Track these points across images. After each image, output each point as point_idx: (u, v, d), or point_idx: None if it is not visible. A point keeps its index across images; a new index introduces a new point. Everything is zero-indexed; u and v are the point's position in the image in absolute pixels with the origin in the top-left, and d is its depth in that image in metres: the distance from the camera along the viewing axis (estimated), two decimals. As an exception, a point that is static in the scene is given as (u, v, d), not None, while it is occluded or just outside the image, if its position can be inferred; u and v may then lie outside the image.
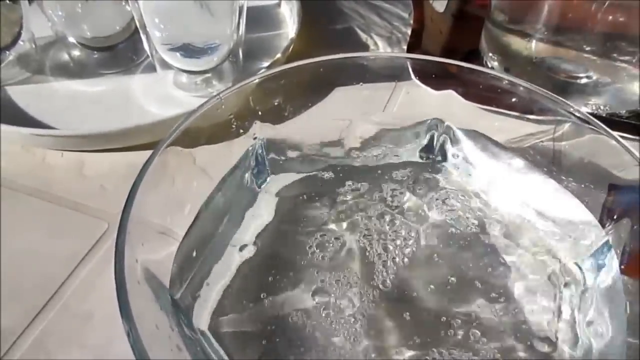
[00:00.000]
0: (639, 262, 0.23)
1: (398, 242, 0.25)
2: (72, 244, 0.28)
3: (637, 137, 0.32)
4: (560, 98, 0.25)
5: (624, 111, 0.34)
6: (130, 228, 0.20)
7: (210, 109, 0.25)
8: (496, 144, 0.28)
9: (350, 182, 0.28)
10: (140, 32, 0.34)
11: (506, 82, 0.27)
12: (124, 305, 0.18)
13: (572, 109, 0.25)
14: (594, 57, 0.33)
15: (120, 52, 0.38)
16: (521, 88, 0.27)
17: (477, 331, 0.22)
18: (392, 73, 0.30)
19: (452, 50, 0.39)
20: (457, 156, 0.29)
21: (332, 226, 0.26)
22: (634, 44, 0.32)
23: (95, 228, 0.29)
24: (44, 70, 0.39)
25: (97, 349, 0.24)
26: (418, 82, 0.29)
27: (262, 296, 0.23)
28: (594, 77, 0.34)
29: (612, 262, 0.24)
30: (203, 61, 0.35)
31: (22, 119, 0.34)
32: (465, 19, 0.39)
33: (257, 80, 0.26)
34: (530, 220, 0.26)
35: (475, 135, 0.29)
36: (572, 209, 0.26)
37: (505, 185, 0.28)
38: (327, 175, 0.28)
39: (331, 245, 0.25)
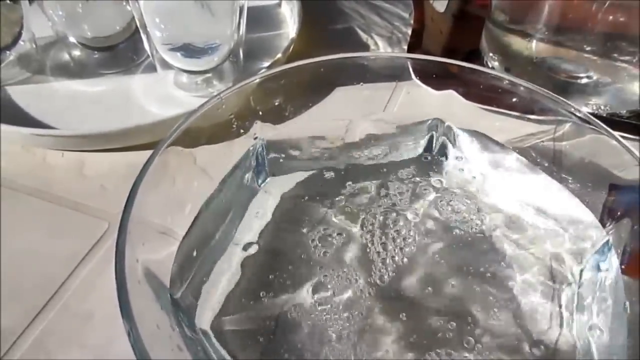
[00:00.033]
0: (639, 262, 0.23)
1: (398, 241, 0.25)
2: (72, 244, 0.28)
3: (637, 137, 0.32)
4: (561, 98, 0.25)
5: (625, 111, 0.34)
6: (130, 228, 0.20)
7: (210, 109, 0.25)
8: (497, 144, 0.28)
9: (350, 182, 0.28)
10: (141, 32, 0.34)
11: (507, 82, 0.27)
12: (125, 305, 0.18)
13: (572, 109, 0.25)
14: (595, 57, 0.33)
15: (121, 52, 0.38)
16: (522, 88, 0.27)
17: (477, 331, 0.22)
18: (392, 73, 0.30)
19: (453, 50, 0.39)
20: (458, 156, 0.29)
21: (333, 226, 0.26)
22: (635, 44, 0.32)
23: (96, 228, 0.29)
24: (44, 70, 0.39)
25: (97, 348, 0.24)
26: (418, 82, 0.29)
27: (263, 295, 0.23)
28: (595, 77, 0.34)
29: (613, 262, 0.24)
30: (203, 61, 0.35)
31: (22, 118, 0.34)
32: (465, 19, 0.39)
33: (257, 80, 0.26)
34: (531, 220, 0.26)
35: (475, 135, 0.29)
36: (573, 209, 0.26)
37: (505, 185, 0.28)
38: (328, 174, 0.28)
39: (332, 244, 0.25)
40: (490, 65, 0.37)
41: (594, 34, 0.32)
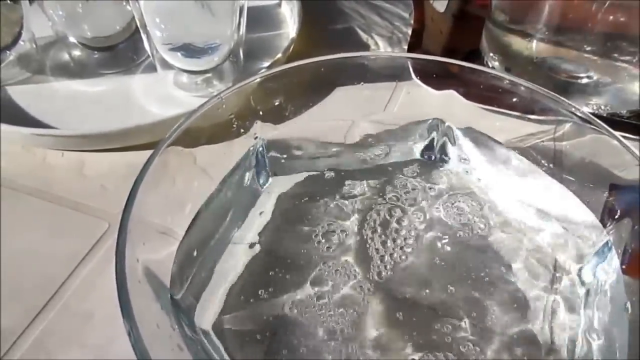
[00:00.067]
0: (640, 262, 0.23)
1: (398, 241, 0.25)
2: (72, 244, 0.28)
3: (637, 137, 0.32)
4: (562, 98, 0.25)
5: (625, 111, 0.34)
6: (131, 227, 0.20)
7: (210, 108, 0.25)
8: (497, 143, 0.28)
9: (351, 182, 0.28)
10: (141, 31, 0.34)
11: (507, 81, 0.27)
12: (125, 304, 0.18)
13: (573, 109, 0.25)
14: (595, 57, 0.33)
15: (121, 52, 0.38)
16: (522, 88, 0.26)
17: (476, 332, 0.22)
18: (392, 73, 0.30)
19: (453, 50, 0.39)
20: (458, 156, 0.29)
21: (333, 226, 0.26)
22: (635, 44, 0.32)
23: (96, 228, 0.29)
24: (44, 70, 0.39)
25: (97, 348, 0.24)
26: (419, 82, 0.29)
27: (262, 295, 0.23)
28: (595, 77, 0.34)
29: (613, 262, 0.24)
30: (204, 61, 0.35)
31: (22, 118, 0.34)
32: (465, 19, 0.39)
33: (257, 80, 0.26)
34: (531, 220, 0.26)
35: (476, 135, 0.29)
36: (573, 209, 0.26)
37: (505, 185, 0.28)
38: (328, 174, 0.28)
39: (332, 244, 0.25)
40: (490, 65, 0.37)
41: (594, 34, 0.32)
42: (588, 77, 0.34)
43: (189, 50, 0.34)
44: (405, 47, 0.41)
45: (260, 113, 0.28)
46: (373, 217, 0.26)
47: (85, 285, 0.27)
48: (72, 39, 0.37)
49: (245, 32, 0.36)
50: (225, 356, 0.21)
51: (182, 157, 0.24)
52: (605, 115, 0.34)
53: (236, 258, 0.25)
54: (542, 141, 0.28)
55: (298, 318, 0.22)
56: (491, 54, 0.37)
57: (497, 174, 0.28)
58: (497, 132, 0.28)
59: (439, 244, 0.25)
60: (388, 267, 0.24)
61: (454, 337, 0.22)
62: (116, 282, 0.18)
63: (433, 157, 0.29)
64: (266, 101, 0.28)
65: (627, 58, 0.32)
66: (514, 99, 0.27)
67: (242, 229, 0.26)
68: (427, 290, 0.23)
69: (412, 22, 0.43)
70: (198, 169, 0.26)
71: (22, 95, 0.36)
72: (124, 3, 0.36)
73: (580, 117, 0.25)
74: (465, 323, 0.22)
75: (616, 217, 0.24)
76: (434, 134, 0.29)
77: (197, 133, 0.24)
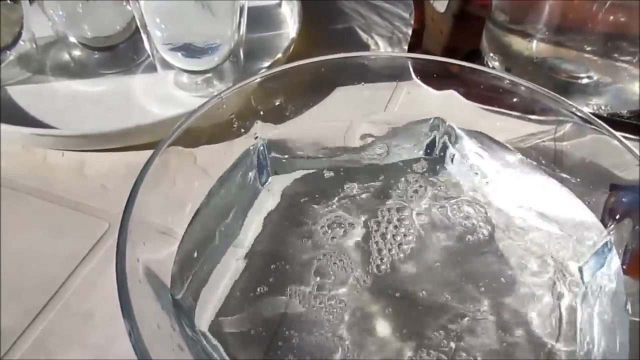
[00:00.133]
0: (641, 262, 0.23)
1: (398, 238, 0.25)
2: (72, 244, 0.28)
3: (638, 137, 0.32)
4: (562, 98, 0.25)
5: (625, 111, 0.34)
6: (131, 227, 0.20)
7: (211, 108, 0.25)
8: (497, 143, 0.28)
9: (351, 181, 0.28)
10: (141, 31, 0.34)
11: (507, 81, 0.27)
12: (126, 304, 0.18)
13: (573, 109, 0.25)
14: (595, 57, 0.33)
15: (121, 52, 0.38)
16: (522, 88, 0.26)
17: (475, 332, 0.22)
18: (393, 73, 0.30)
19: (453, 50, 0.39)
20: (458, 156, 0.29)
21: (333, 225, 0.26)
22: (635, 44, 0.32)
23: (96, 228, 0.29)
24: (44, 70, 0.39)
25: (98, 348, 0.24)
26: (419, 82, 0.29)
27: (262, 295, 0.23)
28: (595, 77, 0.34)
29: (614, 262, 0.24)
30: (204, 61, 0.35)
31: (22, 118, 0.34)
32: (466, 19, 0.39)
33: (258, 80, 0.26)
34: (531, 220, 0.26)
35: (476, 135, 0.29)
36: (574, 209, 0.26)
37: (506, 185, 0.28)
38: (328, 174, 0.28)
39: (332, 244, 0.25)
40: (490, 65, 0.37)
41: (594, 34, 0.32)
42: (588, 77, 0.34)
43: (189, 50, 0.34)
44: (406, 47, 0.41)
45: (261, 113, 0.28)
46: (373, 217, 0.26)
47: (86, 285, 0.27)
48: (72, 39, 0.37)
49: (245, 32, 0.36)
50: (225, 356, 0.21)
51: (182, 157, 0.24)
52: (605, 115, 0.34)
53: (236, 259, 0.25)
54: (543, 141, 0.28)
55: (298, 317, 0.22)
56: (491, 54, 0.37)
57: (498, 173, 0.28)
58: (497, 132, 0.28)
59: (439, 244, 0.25)
60: (387, 266, 0.24)
61: (452, 337, 0.22)
62: (117, 282, 0.18)
63: (433, 157, 0.29)
64: (266, 101, 0.28)
65: (628, 58, 0.32)
66: (515, 99, 0.27)
67: (242, 229, 0.26)
68: (426, 290, 0.23)
69: (412, 22, 0.43)
70: (198, 169, 0.26)
71: (22, 95, 0.36)
72: (124, 3, 0.36)
73: (580, 117, 0.25)
74: (465, 322, 0.22)
75: (617, 217, 0.24)
76: (435, 134, 0.29)
77: (197, 133, 0.24)
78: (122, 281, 0.18)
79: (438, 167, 0.29)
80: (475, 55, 0.38)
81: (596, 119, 0.24)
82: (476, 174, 0.28)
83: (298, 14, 0.41)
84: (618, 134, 0.24)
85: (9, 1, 0.36)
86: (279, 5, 0.44)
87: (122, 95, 0.37)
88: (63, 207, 0.30)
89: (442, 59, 0.28)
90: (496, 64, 0.37)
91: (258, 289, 0.23)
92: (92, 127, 0.33)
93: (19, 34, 0.37)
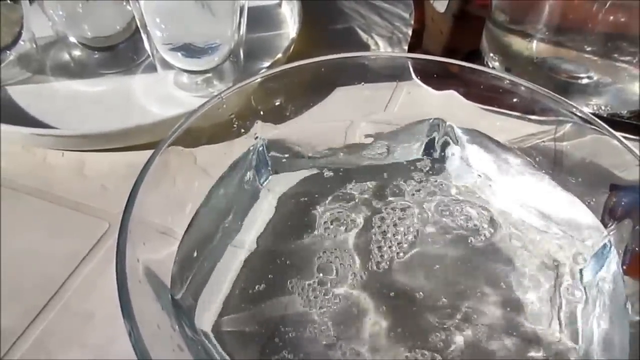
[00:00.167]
0: (641, 262, 0.23)
1: (398, 236, 0.25)
2: (72, 244, 0.28)
3: (638, 138, 0.32)
4: (562, 98, 0.25)
5: (625, 111, 0.34)
6: (131, 227, 0.20)
7: (211, 108, 0.25)
8: (497, 144, 0.28)
9: (351, 181, 0.28)
10: (141, 31, 0.34)
11: (507, 82, 0.27)
12: (126, 304, 0.18)
13: (573, 109, 0.25)
14: (595, 58, 0.33)
15: (121, 52, 0.38)
16: (523, 88, 0.26)
17: (475, 331, 0.22)
18: (393, 73, 0.30)
19: (453, 51, 0.39)
20: (459, 155, 0.29)
21: (333, 225, 0.26)
22: (635, 44, 0.32)
23: (96, 228, 0.29)
24: (44, 70, 0.39)
25: (98, 348, 0.24)
26: (419, 82, 0.29)
27: (262, 295, 0.23)
28: (595, 78, 0.34)
29: (614, 263, 0.24)
30: (204, 61, 0.35)
31: (22, 118, 0.34)
32: (466, 19, 0.39)
33: (258, 80, 0.26)
34: (531, 220, 0.26)
35: (476, 135, 0.29)
36: (574, 209, 0.26)
37: (506, 185, 0.28)
38: (328, 174, 0.28)
39: (332, 244, 0.25)
40: (490, 66, 0.37)
41: (594, 34, 0.32)
42: (588, 77, 0.34)
43: (189, 50, 0.34)
44: (406, 47, 0.41)
45: (261, 113, 0.28)
46: (373, 216, 0.26)
47: (86, 285, 0.27)
48: (72, 39, 0.37)
49: (245, 32, 0.36)
50: (225, 356, 0.21)
51: (182, 157, 0.24)
52: (605, 115, 0.34)
53: (236, 258, 0.25)
54: (543, 141, 0.28)
55: (298, 317, 0.22)
56: (491, 54, 0.37)
57: (498, 173, 0.28)
58: (497, 132, 0.28)
59: (439, 243, 0.25)
60: (387, 265, 0.24)
61: (452, 337, 0.22)
62: (117, 282, 0.18)
63: (433, 157, 0.29)
64: (267, 101, 0.28)
65: (628, 58, 0.32)
66: (515, 99, 0.27)
67: (242, 229, 0.26)
68: (425, 290, 0.23)
69: (412, 22, 0.43)
70: (198, 169, 0.26)
71: (22, 95, 0.36)
72: (124, 3, 0.36)
73: (580, 118, 0.25)
74: (465, 322, 0.22)
75: (617, 217, 0.24)
76: (435, 134, 0.29)
77: (197, 133, 0.24)
78: (122, 281, 0.18)
79: (438, 167, 0.29)
80: (475, 56, 0.38)
81: (596, 119, 0.24)
82: (476, 174, 0.28)
83: (298, 14, 0.41)
84: (618, 134, 0.24)
85: (9, 1, 0.36)
86: (279, 5, 0.44)
87: (122, 95, 0.37)
88: (63, 207, 0.30)
89: (442, 59, 0.28)
90: (496, 64, 0.37)
91: (258, 289, 0.23)
92: (92, 127, 0.33)
93: (19, 34, 0.37)
